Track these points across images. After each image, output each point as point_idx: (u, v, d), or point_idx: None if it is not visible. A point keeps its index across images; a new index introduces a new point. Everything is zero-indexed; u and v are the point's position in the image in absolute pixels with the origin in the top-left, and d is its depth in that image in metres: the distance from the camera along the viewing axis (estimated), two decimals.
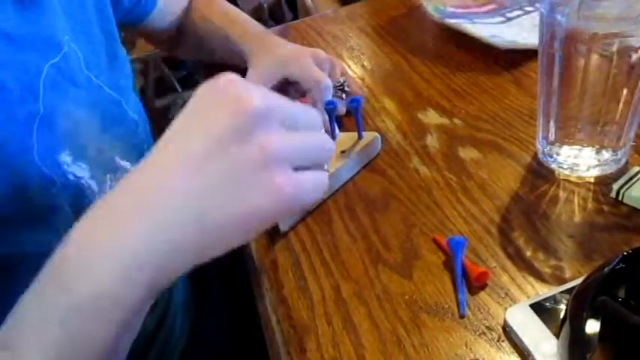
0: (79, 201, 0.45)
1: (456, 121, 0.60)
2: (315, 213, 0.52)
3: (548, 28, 0.43)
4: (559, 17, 0.42)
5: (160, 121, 0.62)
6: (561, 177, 0.49)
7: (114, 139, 0.54)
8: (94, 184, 0.47)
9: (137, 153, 0.57)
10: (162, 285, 0.31)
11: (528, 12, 0.76)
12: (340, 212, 0.51)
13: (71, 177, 0.45)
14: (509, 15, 0.76)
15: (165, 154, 0.32)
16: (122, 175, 0.52)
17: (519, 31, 0.71)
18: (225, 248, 0.31)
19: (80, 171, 0.46)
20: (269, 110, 0.31)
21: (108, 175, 0.50)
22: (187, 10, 0.79)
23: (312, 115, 0.35)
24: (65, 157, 0.45)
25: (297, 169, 0.32)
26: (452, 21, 0.74)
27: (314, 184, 0.32)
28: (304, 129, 0.33)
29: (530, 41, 0.67)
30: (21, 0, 0.45)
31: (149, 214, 0.30)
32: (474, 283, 0.41)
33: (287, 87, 0.64)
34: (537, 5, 0.75)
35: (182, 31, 0.79)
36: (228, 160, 0.30)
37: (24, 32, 0.45)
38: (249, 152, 0.30)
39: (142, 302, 0.30)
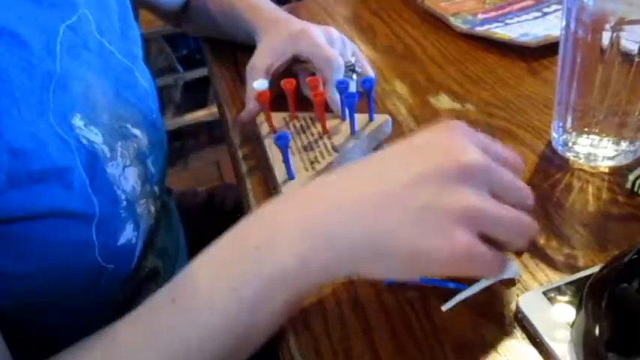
0: (92, 165, 0.44)
1: (469, 106, 0.59)
2: None
3: (573, 12, 0.42)
4: (582, 5, 0.41)
5: (159, 100, 0.61)
6: (575, 166, 0.48)
7: (126, 106, 0.53)
8: (106, 150, 0.47)
9: (147, 123, 0.56)
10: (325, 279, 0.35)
11: None
12: None
13: (84, 141, 0.44)
14: (545, 10, 0.74)
15: (369, 168, 0.35)
16: (132, 143, 0.51)
17: (556, 24, 0.69)
18: (387, 275, 0.36)
19: (93, 136, 0.45)
20: (485, 170, 0.32)
21: (119, 143, 0.49)
22: None
23: (524, 193, 0.35)
24: (78, 121, 0.44)
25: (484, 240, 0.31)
26: (481, 29, 0.71)
27: (490, 262, 0.32)
28: (510, 202, 0.33)
29: None
30: None
31: (333, 213, 0.33)
32: None
33: (295, 66, 0.63)
34: None
35: (191, 5, 0.78)
36: (425, 198, 0.31)
37: None
38: (447, 200, 0.31)
39: (310, 289, 0.34)
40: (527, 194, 0.35)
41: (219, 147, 2.29)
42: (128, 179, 0.48)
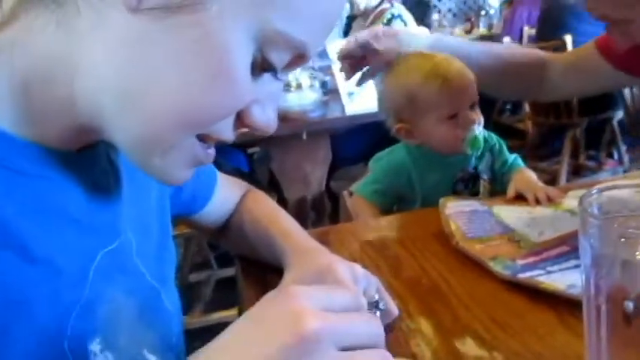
0: None
1: (496, 354, 0.57)
2: None
3: (591, 282, 0.42)
4: (601, 273, 0.42)
5: (190, 295, 0.61)
6: None
7: (146, 330, 0.53)
8: None
9: (166, 345, 0.55)
10: None
11: None
12: None
13: None
14: None
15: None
16: None
17: None
18: None
19: None
20: (326, 335, 0.34)
21: None
22: (237, 207, 0.82)
23: (373, 331, 0.37)
24: (95, 346, 0.44)
25: None
26: (524, 275, 0.70)
27: None
28: (365, 346, 0.36)
29: None
30: (94, 190, 0.48)
31: None
32: None
33: None
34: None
35: (229, 226, 0.82)
36: None
37: (89, 219, 0.47)
38: None
39: None
40: (377, 329, 0.37)
41: None
42: None
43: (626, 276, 0.39)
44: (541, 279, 0.68)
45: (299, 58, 0.43)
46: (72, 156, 0.46)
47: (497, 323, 0.62)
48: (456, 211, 0.88)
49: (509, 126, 3.44)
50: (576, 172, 3.01)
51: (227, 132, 0.44)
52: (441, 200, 0.90)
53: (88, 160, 0.48)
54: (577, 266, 0.71)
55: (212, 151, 0.46)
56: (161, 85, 0.39)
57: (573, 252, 0.74)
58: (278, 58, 0.41)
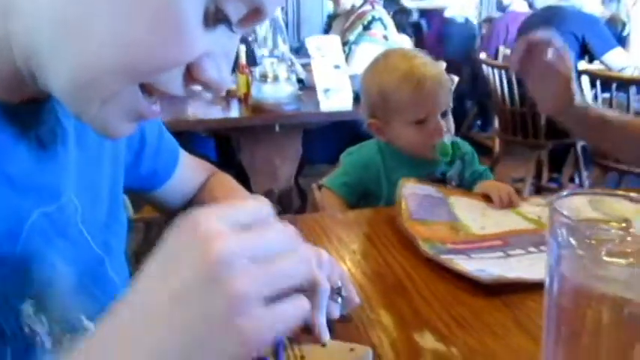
0: (25, 356, 0.41)
1: (453, 349, 0.57)
2: None
3: (555, 281, 0.43)
4: (566, 272, 0.42)
5: None
6: None
7: (86, 298, 0.51)
8: (48, 342, 0.44)
9: None
10: None
11: (530, 252, 0.77)
12: None
13: (26, 329, 0.41)
14: (510, 252, 0.77)
15: (131, 305, 0.33)
16: (83, 337, 0.48)
17: (515, 267, 0.72)
18: None
19: (39, 325, 0.43)
20: (236, 254, 0.32)
21: (67, 335, 0.46)
22: (201, 188, 0.81)
23: (285, 236, 0.35)
24: (27, 307, 0.42)
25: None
26: (445, 257, 0.74)
27: (288, 315, 0.33)
28: (279, 254, 0.34)
29: (520, 275, 0.67)
30: (38, 148, 0.46)
31: None
32: None
33: None
34: (542, 248, 0.76)
35: (191, 206, 0.80)
36: (194, 313, 0.31)
37: (26, 177, 0.45)
38: (214, 304, 0.31)
39: None
40: (290, 235, 0.36)
41: None
42: None
43: (591, 276, 0.40)
44: (458, 261, 0.72)
45: (255, 13, 0.41)
46: (13, 108, 0.44)
47: (456, 320, 0.63)
48: (412, 192, 0.90)
49: (477, 142, 3.50)
50: (538, 192, 3.09)
51: (175, 85, 0.41)
52: (402, 179, 0.92)
53: (32, 114, 0.46)
54: (500, 258, 0.74)
55: (157, 108, 0.43)
56: (99, 22, 0.37)
57: (502, 247, 0.78)
58: (233, 9, 0.39)
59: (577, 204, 0.45)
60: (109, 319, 0.33)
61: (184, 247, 0.33)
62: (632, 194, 0.43)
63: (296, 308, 0.34)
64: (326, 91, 2.04)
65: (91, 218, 0.53)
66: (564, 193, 0.45)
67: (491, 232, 0.84)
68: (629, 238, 0.40)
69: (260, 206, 0.36)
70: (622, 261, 0.39)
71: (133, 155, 0.67)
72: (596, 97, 2.48)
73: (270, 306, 0.33)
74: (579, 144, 2.90)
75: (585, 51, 2.77)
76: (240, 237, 0.33)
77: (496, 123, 3.26)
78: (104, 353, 0.32)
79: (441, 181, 1.13)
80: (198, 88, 0.43)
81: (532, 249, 0.77)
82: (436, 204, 0.91)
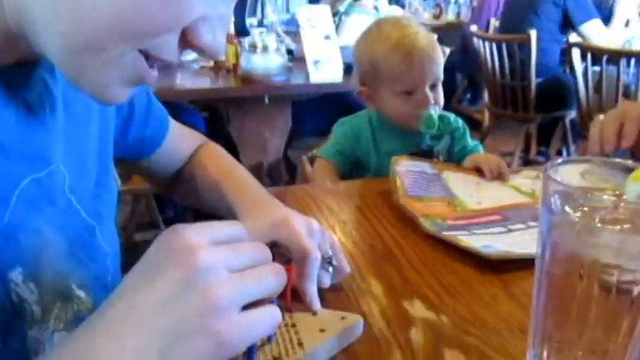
0: (11, 327, 0.40)
1: (443, 318, 0.57)
2: None
3: (547, 248, 0.43)
4: (559, 239, 0.42)
5: (134, 253, 0.59)
6: None
7: (76, 266, 0.51)
8: (37, 310, 0.44)
9: (99, 284, 0.54)
10: None
11: (530, 227, 0.76)
12: None
13: (14, 297, 0.41)
14: (510, 227, 0.77)
15: (114, 310, 0.35)
16: (72, 305, 0.48)
17: (518, 242, 0.71)
18: None
19: (28, 294, 0.43)
20: (214, 264, 0.35)
21: (58, 303, 0.46)
22: (190, 158, 0.80)
23: (258, 251, 0.39)
24: (16, 275, 0.42)
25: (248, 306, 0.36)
26: (447, 233, 0.73)
27: (262, 321, 0.37)
28: (251, 266, 0.38)
29: (527, 251, 0.66)
30: (26, 114, 0.45)
31: None
32: None
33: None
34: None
35: (180, 177, 0.80)
36: (172, 314, 0.33)
37: (16, 143, 0.44)
38: (191, 305, 0.34)
39: None
40: (262, 250, 0.39)
41: None
42: (54, 346, 0.44)
43: (582, 244, 0.40)
44: (462, 238, 0.71)
45: None
46: (2, 70, 0.43)
47: (446, 289, 0.63)
48: (406, 169, 0.89)
49: (466, 115, 3.50)
50: (526, 166, 3.11)
51: (171, 51, 0.41)
52: (394, 157, 0.91)
53: (21, 77, 0.45)
54: (502, 233, 0.74)
55: (155, 73, 0.43)
56: None
57: (503, 221, 0.78)
58: None
59: (568, 173, 0.45)
60: (93, 319, 0.35)
61: (167, 257, 0.35)
62: (629, 162, 0.43)
63: (269, 316, 0.37)
64: (316, 62, 2.01)
65: (79, 187, 0.53)
66: (558, 160, 0.45)
67: (488, 206, 0.84)
68: (622, 205, 0.40)
69: (235, 226, 0.40)
70: (615, 227, 0.39)
71: (121, 123, 0.66)
72: (586, 71, 2.47)
73: (246, 313, 0.36)
74: (568, 117, 2.91)
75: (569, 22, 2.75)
76: (218, 250, 0.36)
77: (486, 96, 3.25)
78: (91, 348, 0.33)
79: (429, 156, 1.12)
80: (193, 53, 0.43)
81: (532, 223, 0.77)
82: (431, 180, 0.91)
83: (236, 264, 0.37)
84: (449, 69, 1.34)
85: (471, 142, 1.16)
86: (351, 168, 1.15)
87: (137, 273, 0.36)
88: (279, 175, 2.33)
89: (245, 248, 0.39)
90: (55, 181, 0.49)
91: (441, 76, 1.10)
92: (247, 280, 0.37)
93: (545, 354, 0.46)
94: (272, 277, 0.39)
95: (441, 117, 1.07)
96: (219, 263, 0.35)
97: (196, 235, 0.36)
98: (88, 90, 0.42)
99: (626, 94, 2.36)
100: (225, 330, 0.34)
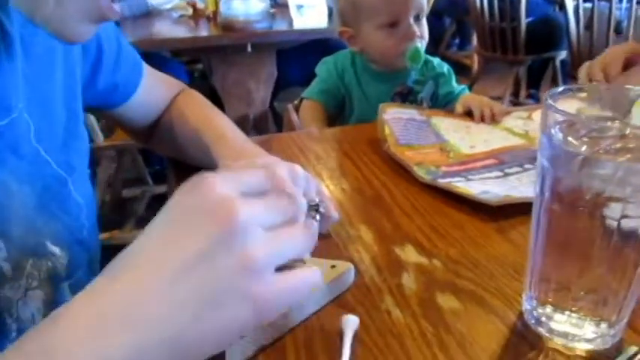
0: None
1: (436, 262, 0.55)
2: (269, 350, 0.44)
3: (546, 184, 0.40)
4: (560, 173, 0.39)
5: (123, 210, 0.56)
6: (550, 345, 0.44)
7: (47, 220, 0.48)
8: (7, 267, 0.41)
9: (73, 240, 0.51)
10: None
11: (527, 169, 0.74)
12: (297, 351, 0.44)
13: None
14: (507, 170, 0.74)
15: (141, 266, 0.30)
16: (46, 262, 0.45)
17: (516, 186, 0.69)
18: (201, 358, 0.30)
19: None
20: (251, 220, 0.31)
21: (30, 260, 0.43)
22: (168, 106, 0.76)
23: (293, 208, 0.35)
24: None
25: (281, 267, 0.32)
26: (443, 181, 0.69)
27: (301, 285, 0.33)
28: (285, 224, 0.34)
29: (526, 194, 0.63)
30: None
31: (122, 334, 0.27)
32: None
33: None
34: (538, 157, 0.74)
35: (158, 125, 0.76)
36: (206, 274, 0.29)
37: None
38: (227, 265, 0.30)
39: None
40: (298, 206, 0.36)
41: None
42: (28, 305, 0.42)
43: (584, 175, 0.37)
44: (458, 184, 0.69)
45: None
46: None
47: (438, 232, 0.61)
48: (394, 117, 0.86)
49: (455, 60, 3.43)
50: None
51: None
52: (381, 105, 0.87)
53: None
54: (498, 177, 0.72)
55: (117, 8, 0.41)
56: None
57: (499, 165, 0.75)
58: None
59: (568, 104, 0.41)
60: (110, 281, 0.30)
61: (199, 210, 0.31)
62: (635, 87, 0.39)
63: (308, 277, 0.34)
64: (299, 7, 1.94)
65: (47, 136, 0.49)
66: (559, 89, 0.41)
67: (481, 150, 0.81)
68: (627, 131, 0.37)
69: (271, 173, 0.36)
70: (621, 157, 0.36)
71: (89, 67, 0.62)
72: (577, 7, 2.41)
73: (282, 276, 0.32)
74: (558, 58, 2.86)
75: None
76: (255, 205, 0.32)
77: (475, 39, 3.18)
78: (120, 310, 0.28)
79: (413, 99, 1.08)
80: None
81: (528, 165, 0.74)
82: (420, 127, 0.87)
83: (270, 221, 0.33)
84: (437, 14, 1.29)
85: (457, 86, 1.12)
86: (338, 108, 1.11)
87: (160, 227, 0.31)
88: (266, 128, 2.29)
89: (279, 202, 0.34)
90: (18, 130, 0.46)
91: (425, 8, 1.04)
92: (283, 239, 0.33)
93: (542, 294, 0.44)
94: (306, 236, 0.35)
95: (425, 61, 1.03)
96: (256, 220, 0.31)
97: (228, 185, 0.32)
98: (47, 27, 0.39)
99: (618, 31, 2.30)
100: (263, 293, 0.31)
